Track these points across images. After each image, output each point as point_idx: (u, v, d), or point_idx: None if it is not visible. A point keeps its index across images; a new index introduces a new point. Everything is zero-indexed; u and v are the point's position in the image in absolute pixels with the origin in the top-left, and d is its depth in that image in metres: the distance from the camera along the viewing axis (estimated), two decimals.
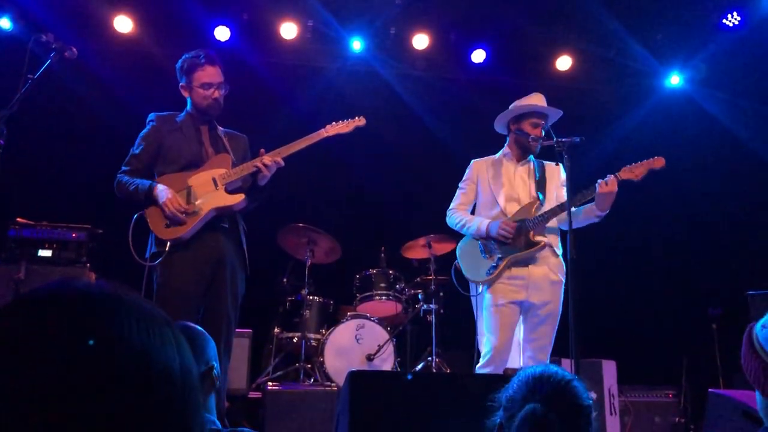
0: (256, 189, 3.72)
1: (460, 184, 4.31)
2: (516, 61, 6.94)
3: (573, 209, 4.04)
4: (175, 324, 0.71)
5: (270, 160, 3.62)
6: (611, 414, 4.90)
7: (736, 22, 6.45)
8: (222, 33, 6.39)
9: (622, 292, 6.82)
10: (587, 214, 4.05)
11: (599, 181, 3.86)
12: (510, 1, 6.48)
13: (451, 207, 4.29)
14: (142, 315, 0.67)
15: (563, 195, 4.16)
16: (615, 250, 6.91)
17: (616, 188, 3.88)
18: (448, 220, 4.28)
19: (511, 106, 4.25)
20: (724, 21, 6.48)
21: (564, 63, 6.98)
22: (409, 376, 4.97)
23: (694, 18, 6.58)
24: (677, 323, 6.56)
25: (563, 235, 4.12)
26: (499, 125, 4.31)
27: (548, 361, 3.98)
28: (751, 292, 5.12)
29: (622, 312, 6.74)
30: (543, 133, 4.10)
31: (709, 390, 4.02)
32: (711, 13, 6.52)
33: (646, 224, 7.11)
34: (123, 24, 6.27)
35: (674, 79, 7.14)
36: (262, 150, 3.68)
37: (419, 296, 5.76)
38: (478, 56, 6.84)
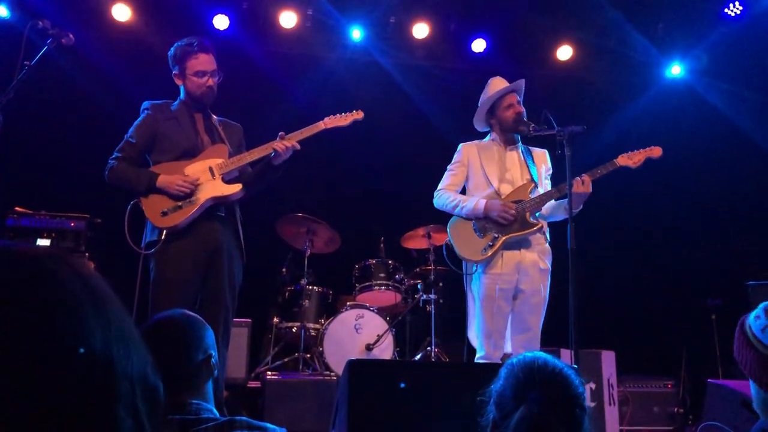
0: (270, 170, 3.71)
1: (450, 166, 4.23)
2: (516, 51, 6.91)
3: (553, 202, 4.04)
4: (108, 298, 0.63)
5: (290, 143, 3.62)
6: (610, 404, 4.90)
7: (738, 12, 6.42)
8: (221, 21, 6.35)
9: (621, 283, 6.82)
10: (560, 209, 4.04)
11: (576, 178, 3.81)
12: None
13: (439, 188, 4.19)
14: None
15: (548, 185, 4.17)
16: (614, 240, 6.91)
17: (590, 189, 3.88)
18: (437, 200, 4.17)
19: (480, 102, 4.24)
20: (726, 11, 6.46)
21: (565, 53, 6.95)
22: (402, 385, 5.00)
23: (695, 8, 6.56)
24: (676, 313, 6.56)
25: (551, 223, 4.16)
26: (479, 124, 4.31)
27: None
28: (750, 283, 5.13)
29: (621, 302, 6.75)
30: (521, 107, 4.11)
31: (708, 380, 4.03)
32: (712, 3, 6.49)
33: (646, 214, 7.10)
34: (121, 12, 6.23)
35: (675, 69, 7.11)
36: (282, 133, 3.67)
37: (418, 286, 5.76)
38: (479, 46, 6.81)
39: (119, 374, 0.61)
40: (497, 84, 4.20)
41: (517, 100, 4.14)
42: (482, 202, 3.95)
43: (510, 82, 4.21)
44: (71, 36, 3.33)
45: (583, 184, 3.83)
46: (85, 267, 0.65)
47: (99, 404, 0.59)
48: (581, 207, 3.91)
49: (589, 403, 4.77)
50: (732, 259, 6.51)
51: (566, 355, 4.68)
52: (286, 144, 3.62)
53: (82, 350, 0.59)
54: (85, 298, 0.62)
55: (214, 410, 1.66)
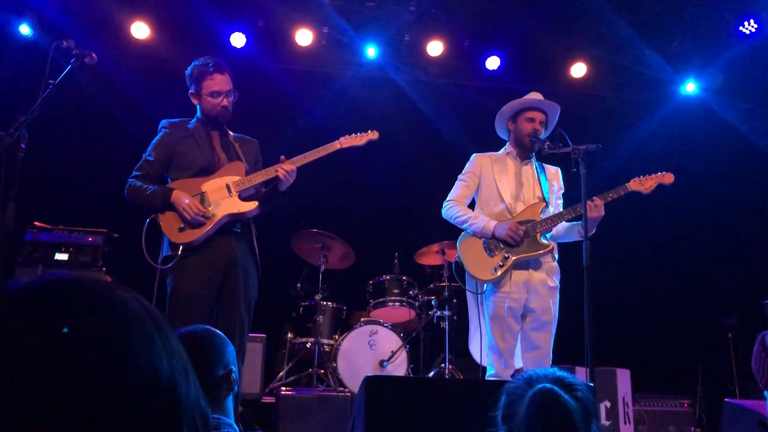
0: (276, 194, 3.74)
1: (461, 176, 4.21)
2: (530, 68, 6.94)
3: (565, 223, 4.03)
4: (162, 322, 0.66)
5: (290, 167, 3.65)
6: (625, 423, 4.86)
7: (753, 30, 6.42)
8: (238, 39, 6.43)
9: (636, 301, 6.78)
10: (573, 231, 4.03)
11: (588, 201, 3.77)
12: (524, 8, 6.49)
13: (449, 199, 4.17)
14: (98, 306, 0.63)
15: (560, 205, 4.16)
16: (630, 258, 6.88)
17: (602, 213, 3.86)
18: (445, 212, 4.16)
19: (510, 103, 4.24)
20: (741, 28, 6.45)
21: (578, 70, 6.96)
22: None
23: (710, 25, 6.56)
24: (692, 332, 6.52)
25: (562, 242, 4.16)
26: (500, 128, 4.30)
27: None
28: (766, 302, 5.09)
29: (637, 320, 6.71)
30: (541, 128, 4.10)
31: (725, 400, 4.00)
32: (727, 21, 6.49)
33: (661, 232, 7.07)
34: (140, 30, 6.33)
35: (690, 87, 7.10)
36: (283, 157, 3.70)
37: (432, 302, 5.75)
38: (493, 63, 6.85)
39: (183, 399, 0.64)
40: (534, 94, 4.21)
41: (540, 121, 4.13)
42: (492, 224, 3.94)
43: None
44: (94, 55, 3.38)
45: (596, 207, 3.82)
46: (142, 298, 0.68)
47: (169, 428, 0.62)
48: (594, 231, 3.90)
49: (604, 421, 4.73)
50: (748, 277, 6.46)
51: (581, 372, 4.66)
52: (285, 168, 3.64)
53: (153, 376, 0.62)
54: (153, 326, 0.65)
55: (235, 425, 1.67)
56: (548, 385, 1.55)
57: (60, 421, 0.56)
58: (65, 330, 0.59)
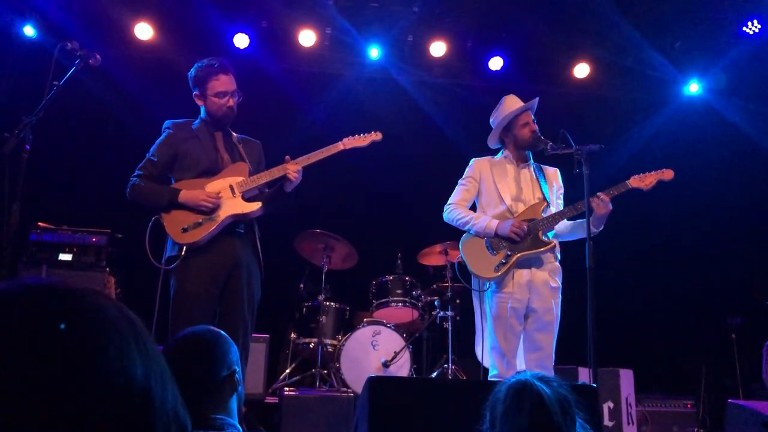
0: (282, 195, 3.74)
1: (461, 181, 4.24)
2: (533, 69, 6.94)
3: (570, 222, 4.04)
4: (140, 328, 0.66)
5: (297, 167, 3.66)
6: (628, 423, 4.86)
7: (757, 30, 6.40)
8: (241, 40, 6.44)
9: (640, 301, 6.78)
10: (581, 228, 4.02)
11: (593, 198, 3.79)
12: (528, 9, 6.49)
13: (450, 202, 4.20)
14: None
15: (561, 204, 4.17)
16: (633, 258, 6.88)
17: (611, 207, 3.87)
18: (447, 215, 4.18)
19: (493, 120, 4.26)
20: (744, 29, 6.44)
21: (582, 70, 6.96)
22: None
23: (713, 26, 6.55)
24: (696, 332, 6.51)
25: (566, 241, 4.16)
26: (493, 142, 4.32)
27: (553, 371, 3.97)
28: None
29: (640, 320, 6.70)
30: (536, 126, 4.12)
31: (729, 401, 3.99)
32: (731, 21, 6.48)
33: (664, 232, 7.07)
34: (143, 31, 6.34)
35: (693, 87, 7.10)
36: (288, 157, 3.71)
37: (435, 303, 5.75)
38: (496, 63, 6.85)
39: (157, 407, 0.63)
40: (512, 102, 4.22)
41: (532, 119, 4.16)
42: (494, 222, 3.96)
43: (526, 99, 4.23)
44: (98, 57, 3.40)
45: (602, 203, 3.83)
46: (122, 304, 0.68)
47: None
48: (602, 227, 3.91)
49: (607, 422, 4.73)
50: (752, 278, 6.45)
51: (584, 373, 4.67)
52: (294, 168, 3.66)
53: (126, 382, 0.61)
54: (129, 332, 0.65)
55: (238, 426, 1.68)
56: (522, 377, 1.69)
57: (24, 426, 0.55)
58: (44, 334, 0.58)
